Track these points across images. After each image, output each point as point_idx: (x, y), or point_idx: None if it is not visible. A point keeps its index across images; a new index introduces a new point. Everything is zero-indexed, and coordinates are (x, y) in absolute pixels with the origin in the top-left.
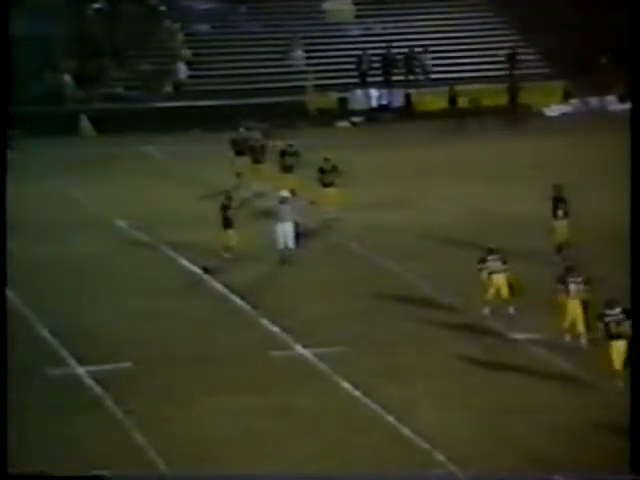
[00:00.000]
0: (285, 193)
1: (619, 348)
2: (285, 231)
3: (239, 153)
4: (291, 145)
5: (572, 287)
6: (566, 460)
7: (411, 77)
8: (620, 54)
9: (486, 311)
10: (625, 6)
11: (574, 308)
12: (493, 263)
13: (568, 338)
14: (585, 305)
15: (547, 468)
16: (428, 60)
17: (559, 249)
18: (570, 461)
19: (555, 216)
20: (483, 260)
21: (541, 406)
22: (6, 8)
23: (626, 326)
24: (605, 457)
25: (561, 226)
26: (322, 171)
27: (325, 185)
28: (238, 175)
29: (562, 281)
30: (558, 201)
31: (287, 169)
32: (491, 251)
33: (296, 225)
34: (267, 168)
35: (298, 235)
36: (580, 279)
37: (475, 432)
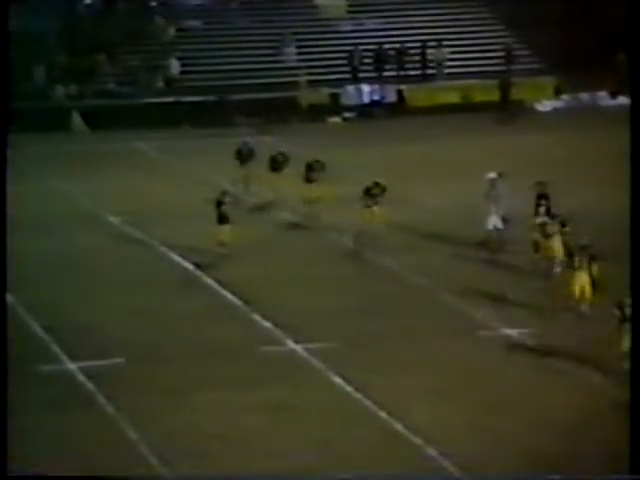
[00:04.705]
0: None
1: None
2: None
3: (243, 161)
4: (282, 153)
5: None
6: (564, 459)
7: (402, 72)
8: (612, 50)
9: (586, 308)
10: (625, 3)
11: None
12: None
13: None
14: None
15: (543, 466)
16: (443, 55)
17: (536, 247)
18: (568, 460)
19: (537, 213)
20: None
21: (537, 403)
22: (6, 8)
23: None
24: (604, 456)
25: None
26: (310, 169)
27: (308, 181)
28: (244, 181)
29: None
30: (540, 198)
31: (275, 170)
32: (582, 247)
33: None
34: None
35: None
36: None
37: (468, 428)
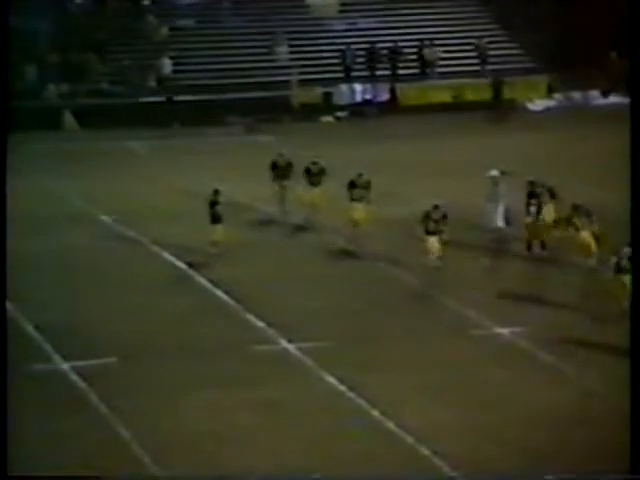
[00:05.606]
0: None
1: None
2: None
3: (279, 176)
4: (316, 162)
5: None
6: (563, 459)
7: (395, 71)
8: (605, 49)
9: (593, 261)
10: (625, 3)
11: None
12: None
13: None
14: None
15: (541, 466)
16: (436, 54)
17: (529, 246)
18: (567, 460)
19: (528, 212)
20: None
21: (533, 402)
22: (6, 8)
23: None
24: (604, 456)
25: (533, 223)
26: (308, 172)
27: (312, 184)
28: (280, 197)
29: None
30: (531, 197)
31: (313, 184)
32: (576, 208)
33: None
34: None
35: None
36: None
37: (461, 427)
